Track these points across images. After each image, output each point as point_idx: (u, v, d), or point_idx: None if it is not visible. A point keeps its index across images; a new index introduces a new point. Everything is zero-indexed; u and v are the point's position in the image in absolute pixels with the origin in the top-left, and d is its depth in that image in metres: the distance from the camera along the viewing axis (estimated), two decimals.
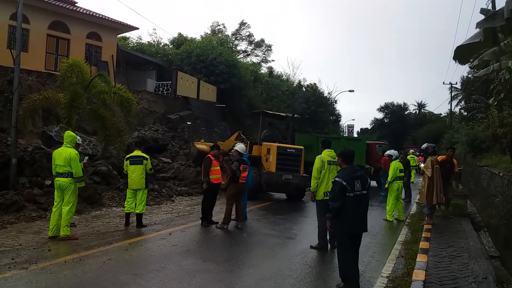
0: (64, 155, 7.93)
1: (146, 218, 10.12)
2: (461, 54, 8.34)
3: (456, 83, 45.83)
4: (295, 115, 17.57)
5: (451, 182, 11.53)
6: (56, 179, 7.97)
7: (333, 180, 5.71)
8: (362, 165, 19.75)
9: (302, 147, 15.31)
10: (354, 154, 6.04)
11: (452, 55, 8.51)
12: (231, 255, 7.46)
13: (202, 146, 17.53)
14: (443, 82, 46.79)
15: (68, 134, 8.33)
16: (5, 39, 18.80)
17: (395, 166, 11.66)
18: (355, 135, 79.27)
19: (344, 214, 5.53)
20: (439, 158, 11.13)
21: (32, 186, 11.33)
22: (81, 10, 22.23)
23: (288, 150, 14.69)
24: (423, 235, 8.78)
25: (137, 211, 9.39)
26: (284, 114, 18.31)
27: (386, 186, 11.68)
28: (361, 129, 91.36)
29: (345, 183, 5.53)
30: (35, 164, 12.17)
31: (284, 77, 48.94)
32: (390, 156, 12.71)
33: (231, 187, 9.78)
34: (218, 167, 10.23)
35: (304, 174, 14.53)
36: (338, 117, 50.20)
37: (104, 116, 12.80)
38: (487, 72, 13.82)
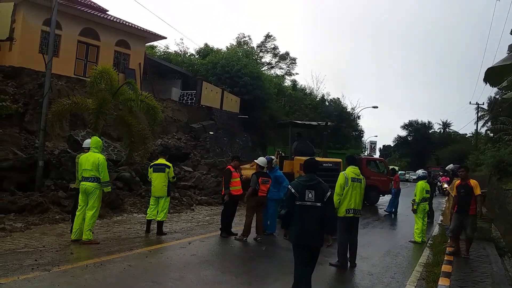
0: (92, 159, 8.06)
1: (166, 226, 10.18)
2: (492, 75, 8.25)
3: (483, 104, 45.17)
4: (329, 123, 15.68)
5: (473, 212, 8.91)
6: (82, 183, 8.08)
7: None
8: None
9: (340, 160, 13.56)
10: (317, 164, 5.83)
11: (483, 77, 8.41)
12: (249, 267, 7.44)
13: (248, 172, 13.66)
14: (470, 102, 46.08)
15: (95, 139, 8.46)
16: (38, 43, 19.40)
17: (421, 186, 11.31)
18: (377, 152, 78.42)
19: (291, 224, 5.39)
20: (456, 183, 9.84)
21: (57, 188, 11.57)
22: (111, 18, 22.78)
23: (325, 164, 12.89)
24: (445, 258, 8.59)
25: (159, 219, 9.46)
26: (315, 123, 17.02)
27: (415, 207, 11.29)
28: (383, 146, 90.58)
29: (293, 191, 5.36)
30: (61, 167, 12.44)
31: (307, 90, 49.01)
32: (420, 177, 11.67)
33: (250, 199, 9.77)
34: (238, 179, 10.25)
35: None
36: (360, 133, 49.89)
37: (130, 123, 13.03)
38: None
